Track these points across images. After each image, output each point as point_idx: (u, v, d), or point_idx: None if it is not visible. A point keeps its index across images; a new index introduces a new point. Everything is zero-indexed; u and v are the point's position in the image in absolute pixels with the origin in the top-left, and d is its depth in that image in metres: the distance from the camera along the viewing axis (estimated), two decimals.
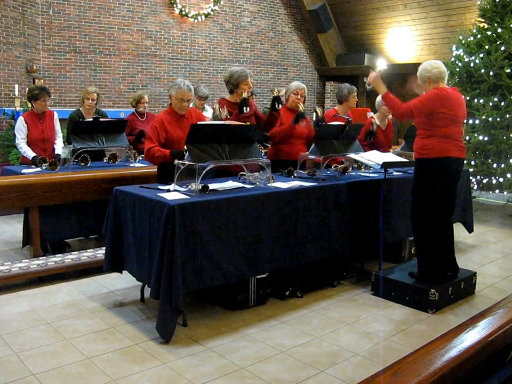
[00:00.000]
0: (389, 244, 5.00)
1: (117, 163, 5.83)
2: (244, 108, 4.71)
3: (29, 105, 8.21)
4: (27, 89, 8.64)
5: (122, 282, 4.53)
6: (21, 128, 5.55)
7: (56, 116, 5.82)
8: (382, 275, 4.41)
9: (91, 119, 5.68)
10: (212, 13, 11.83)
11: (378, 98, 5.78)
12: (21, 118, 5.64)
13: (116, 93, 10.81)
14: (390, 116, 5.91)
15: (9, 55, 9.04)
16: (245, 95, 4.74)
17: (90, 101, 5.95)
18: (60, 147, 5.76)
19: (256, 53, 12.85)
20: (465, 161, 7.27)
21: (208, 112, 7.03)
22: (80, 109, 6.08)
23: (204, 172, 3.73)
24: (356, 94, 5.62)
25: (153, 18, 11.11)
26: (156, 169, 4.69)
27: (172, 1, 11.21)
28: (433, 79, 4.19)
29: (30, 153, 5.49)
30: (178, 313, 3.54)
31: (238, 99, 4.89)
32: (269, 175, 4.14)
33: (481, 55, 7.50)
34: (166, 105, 11.24)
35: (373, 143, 5.62)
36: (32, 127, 5.57)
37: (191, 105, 6.74)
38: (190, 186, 3.79)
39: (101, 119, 5.68)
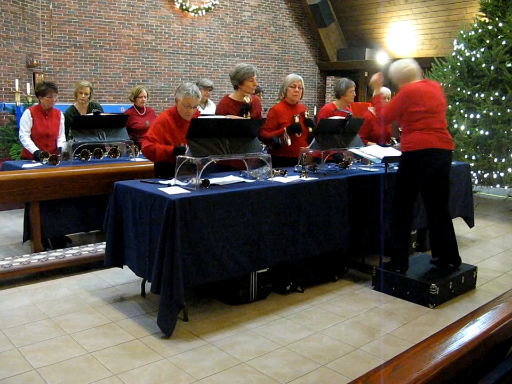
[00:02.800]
0: (390, 238, 4.99)
1: (117, 158, 5.82)
2: (244, 114, 4.81)
3: (29, 100, 8.26)
4: (28, 84, 8.69)
5: (123, 277, 4.54)
6: (26, 121, 5.53)
7: (62, 116, 5.81)
8: (382, 270, 4.42)
9: (91, 114, 5.68)
10: (213, 7, 11.79)
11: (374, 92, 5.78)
12: (27, 111, 5.62)
13: (117, 88, 10.79)
14: None
15: (10, 50, 9.02)
16: (246, 100, 4.81)
17: (83, 95, 5.94)
18: (62, 142, 5.75)
19: (257, 48, 12.82)
20: (465, 156, 7.35)
21: (211, 107, 7.01)
22: (74, 105, 6.07)
23: (204, 166, 3.73)
24: (354, 88, 5.60)
25: (153, 13, 11.07)
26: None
27: None
28: (406, 77, 4.30)
29: (32, 147, 5.48)
30: (179, 308, 3.54)
31: (242, 97, 4.88)
32: (270, 169, 4.14)
33: (482, 50, 7.48)
34: (167, 99, 11.23)
35: (371, 135, 5.64)
36: (38, 122, 5.56)
37: None
38: (190, 181, 3.79)
39: (101, 114, 5.68)
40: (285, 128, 4.98)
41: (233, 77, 4.82)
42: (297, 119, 5.01)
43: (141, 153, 5.98)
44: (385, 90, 5.72)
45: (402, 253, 4.40)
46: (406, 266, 4.38)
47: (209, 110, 6.86)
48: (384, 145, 5.40)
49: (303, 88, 5.18)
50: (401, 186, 4.36)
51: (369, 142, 5.52)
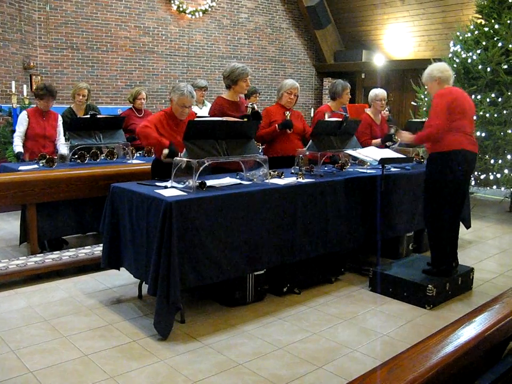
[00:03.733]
0: (387, 239, 5.01)
1: (114, 160, 5.82)
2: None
3: (26, 101, 8.24)
4: (25, 86, 8.68)
5: (120, 279, 4.53)
6: (21, 122, 5.59)
7: (60, 119, 5.82)
8: (379, 271, 4.42)
9: (88, 116, 5.67)
10: (210, 9, 11.80)
11: (371, 93, 5.78)
12: (24, 113, 5.68)
13: (113, 90, 10.78)
14: (385, 112, 5.93)
15: (6, 52, 9.00)
16: (287, 115, 4.97)
17: (81, 97, 5.94)
18: (63, 147, 5.75)
19: (254, 49, 12.83)
20: None
21: (208, 108, 7.03)
22: (72, 106, 6.07)
23: (201, 168, 3.73)
24: (349, 90, 5.61)
25: (150, 15, 11.07)
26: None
27: None
28: (443, 79, 4.29)
29: (16, 148, 5.57)
30: (175, 310, 3.54)
31: (235, 96, 4.88)
32: (266, 171, 4.14)
33: (478, 51, 7.49)
34: (164, 101, 11.23)
35: (373, 136, 5.64)
36: (34, 123, 5.59)
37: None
38: (187, 183, 3.78)
39: (98, 116, 5.68)
40: (276, 125, 4.98)
41: (227, 77, 4.80)
42: (288, 116, 5.03)
43: (137, 155, 6.00)
44: (381, 92, 5.72)
45: (443, 255, 4.34)
46: (447, 267, 4.34)
47: (206, 111, 6.88)
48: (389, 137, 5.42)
49: (297, 96, 5.21)
50: (432, 187, 4.29)
51: (373, 141, 5.50)
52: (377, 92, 5.71)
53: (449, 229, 4.38)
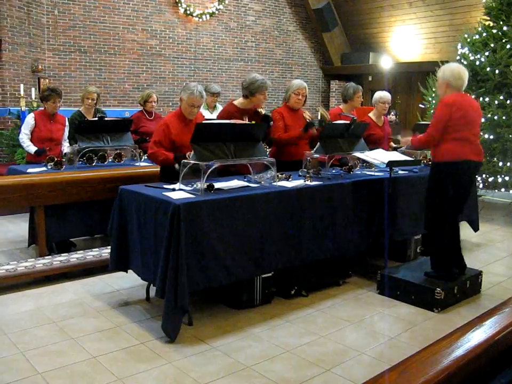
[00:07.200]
0: (395, 242, 4.99)
1: (122, 162, 5.84)
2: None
3: (34, 104, 8.29)
4: (33, 89, 8.72)
5: (128, 281, 4.54)
6: (28, 124, 5.62)
7: (67, 123, 5.85)
8: (387, 274, 4.41)
9: (96, 119, 5.70)
10: (217, 12, 11.83)
11: (376, 95, 5.76)
12: (31, 114, 5.72)
13: (121, 92, 10.82)
14: (391, 116, 5.91)
15: (15, 55, 9.06)
16: (261, 110, 4.88)
17: (90, 101, 5.97)
18: (67, 147, 5.79)
19: (261, 52, 12.84)
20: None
21: (219, 111, 7.02)
22: (80, 109, 6.09)
23: (209, 171, 3.73)
24: (361, 94, 5.61)
25: (158, 18, 11.12)
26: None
27: (177, 1, 11.22)
28: (453, 86, 4.21)
29: (32, 148, 5.59)
30: (183, 312, 3.54)
31: (248, 105, 4.84)
32: (274, 174, 4.14)
33: (486, 53, 7.47)
34: (171, 104, 11.26)
35: (372, 139, 5.61)
36: (41, 126, 5.62)
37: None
38: (195, 186, 3.79)
39: (106, 118, 5.70)
40: (301, 129, 4.93)
41: (246, 87, 4.73)
42: (308, 118, 5.01)
43: (145, 157, 6.02)
44: (386, 95, 5.71)
45: (447, 260, 4.32)
46: (451, 272, 4.33)
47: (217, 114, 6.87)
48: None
49: (306, 96, 5.15)
50: (435, 196, 4.28)
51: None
52: (383, 95, 5.69)
53: (451, 233, 4.38)
